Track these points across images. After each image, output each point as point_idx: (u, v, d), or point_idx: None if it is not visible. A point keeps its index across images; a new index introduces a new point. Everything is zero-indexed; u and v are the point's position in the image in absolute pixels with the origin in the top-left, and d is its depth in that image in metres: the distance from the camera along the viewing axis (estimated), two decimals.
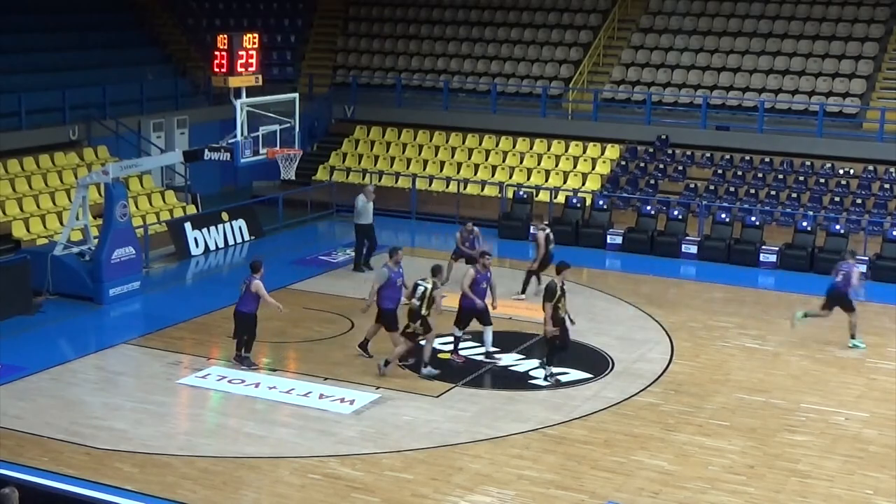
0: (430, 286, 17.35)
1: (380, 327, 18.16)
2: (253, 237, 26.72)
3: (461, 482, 14.04)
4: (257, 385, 17.12)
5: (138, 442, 14.98)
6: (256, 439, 15.23)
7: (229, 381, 17.27)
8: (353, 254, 24.98)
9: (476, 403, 16.66)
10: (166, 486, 13.74)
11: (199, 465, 14.34)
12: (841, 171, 28.32)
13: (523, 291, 22.03)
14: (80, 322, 20.50)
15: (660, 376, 17.96)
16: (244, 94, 20.79)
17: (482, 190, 29.90)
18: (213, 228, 25.82)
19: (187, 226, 25.40)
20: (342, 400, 16.55)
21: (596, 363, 18.46)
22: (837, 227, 25.50)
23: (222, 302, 21.24)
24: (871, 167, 28.09)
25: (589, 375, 17.85)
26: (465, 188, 29.82)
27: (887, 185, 27.53)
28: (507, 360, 18.50)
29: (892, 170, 27.78)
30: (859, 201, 27.30)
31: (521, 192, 28.51)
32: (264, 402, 16.59)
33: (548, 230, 22.42)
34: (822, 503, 13.82)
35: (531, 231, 22.53)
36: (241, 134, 20.66)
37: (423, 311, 17.26)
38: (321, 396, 16.67)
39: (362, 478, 14.09)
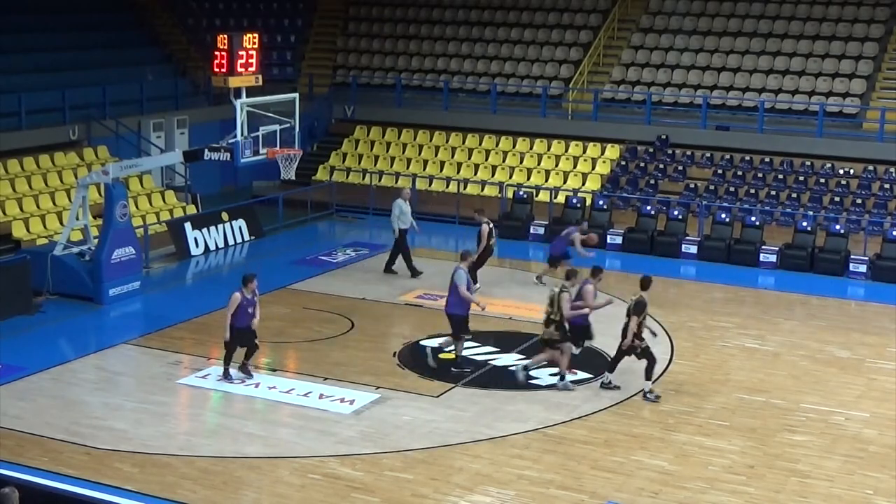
0: (557, 289, 17.12)
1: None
2: (253, 237, 26.72)
3: (461, 482, 14.04)
4: (257, 385, 17.12)
5: (138, 442, 14.98)
6: (256, 439, 15.23)
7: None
8: (353, 254, 25.11)
9: (476, 403, 16.66)
10: (166, 486, 13.74)
11: (199, 465, 14.34)
12: (841, 171, 28.32)
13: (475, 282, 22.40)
14: (80, 322, 20.50)
15: (660, 376, 17.92)
16: (244, 94, 20.80)
17: (482, 190, 29.90)
18: (213, 228, 25.82)
19: (187, 226, 25.40)
20: (342, 400, 16.55)
21: (596, 363, 18.43)
22: (837, 227, 25.50)
23: (222, 302, 21.15)
24: (871, 167, 28.08)
25: (589, 375, 17.84)
26: (465, 188, 29.82)
27: (887, 185, 27.52)
28: (507, 360, 18.48)
29: (892, 170, 27.77)
30: (859, 201, 27.29)
31: (521, 192, 28.51)
32: (264, 402, 16.60)
33: (491, 224, 22.59)
34: (822, 503, 13.82)
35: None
36: (241, 134, 20.66)
37: (553, 317, 17.05)
38: (321, 396, 16.67)
39: (362, 478, 14.09)
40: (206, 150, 21.36)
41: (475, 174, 30.63)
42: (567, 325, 17.23)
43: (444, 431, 15.56)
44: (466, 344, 18.79)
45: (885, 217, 26.43)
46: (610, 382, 17.16)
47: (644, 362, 16.96)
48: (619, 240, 26.56)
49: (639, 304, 16.79)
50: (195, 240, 25.26)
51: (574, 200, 27.76)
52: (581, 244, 22.26)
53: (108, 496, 13.13)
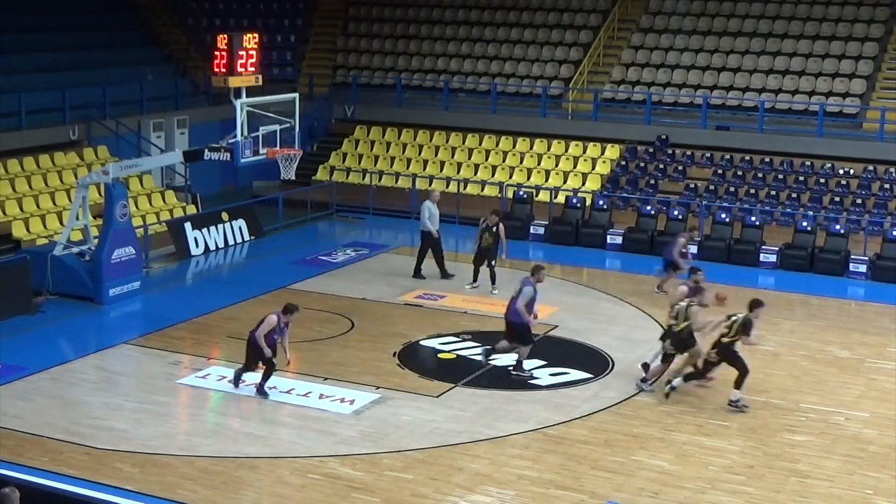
0: (685, 304, 17.03)
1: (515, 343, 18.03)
2: (253, 237, 26.71)
3: (461, 482, 14.04)
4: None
5: (138, 442, 14.97)
6: (256, 439, 15.23)
7: (229, 381, 17.24)
8: (353, 254, 25.17)
9: (476, 403, 16.65)
10: (166, 486, 13.73)
11: (199, 465, 14.34)
12: (841, 171, 28.32)
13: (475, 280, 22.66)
14: (80, 322, 20.50)
15: (659, 377, 17.92)
16: (244, 94, 20.80)
17: (482, 190, 29.89)
18: (213, 228, 25.80)
19: (187, 226, 25.39)
20: (342, 400, 16.55)
21: (596, 363, 18.46)
22: (837, 227, 25.50)
23: (222, 302, 21.30)
24: (871, 167, 28.08)
25: (589, 375, 17.85)
26: (465, 188, 29.81)
27: (887, 185, 27.52)
28: (507, 360, 18.45)
29: (892, 170, 27.77)
30: (859, 201, 27.29)
31: (521, 192, 28.51)
32: (264, 401, 16.56)
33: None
34: (821, 503, 13.82)
35: (485, 223, 22.56)
36: (241, 134, 20.67)
37: (676, 329, 16.97)
38: (321, 396, 16.66)
39: (362, 478, 14.09)
40: (206, 150, 21.36)
41: (475, 174, 30.63)
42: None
43: (444, 431, 15.55)
44: (466, 344, 18.85)
45: (885, 217, 26.43)
46: (738, 401, 16.62)
47: (694, 369, 16.84)
48: (619, 240, 26.53)
49: (747, 325, 16.40)
50: (195, 240, 25.24)
51: (574, 200, 27.75)
52: (681, 253, 22.22)
53: (108, 496, 13.14)
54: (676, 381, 16.92)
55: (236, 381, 16.94)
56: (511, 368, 17.96)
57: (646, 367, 17.54)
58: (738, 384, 16.58)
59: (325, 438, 15.23)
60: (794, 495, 13.94)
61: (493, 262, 22.37)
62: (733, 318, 16.63)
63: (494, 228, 22.22)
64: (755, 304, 16.71)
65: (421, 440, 15.24)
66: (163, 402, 16.52)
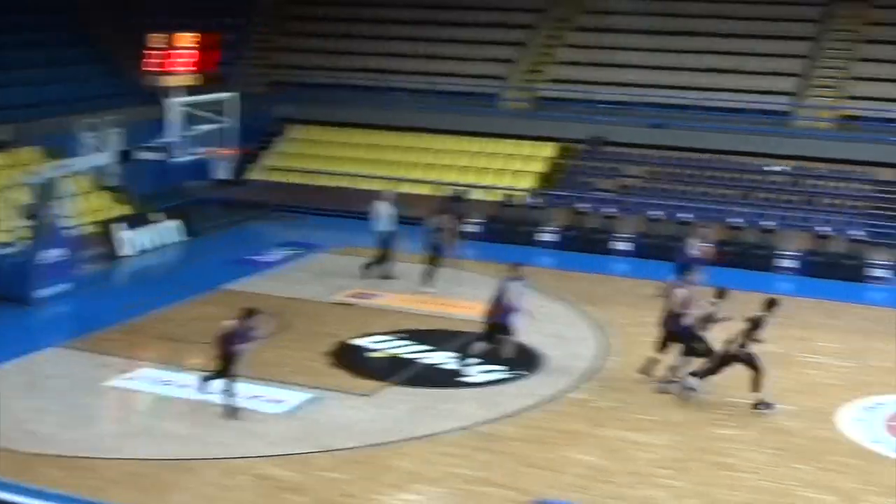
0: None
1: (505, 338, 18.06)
2: (188, 237, 26.53)
3: (392, 481, 14.05)
4: (187, 386, 16.95)
5: (65, 445, 14.78)
6: (185, 440, 15.12)
7: (159, 383, 17.12)
8: (289, 254, 25.13)
9: (408, 402, 16.67)
10: (93, 489, 13.57)
11: (127, 468, 14.19)
12: (772, 168, 28.74)
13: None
14: (7, 324, 20.15)
15: (591, 373, 18.09)
16: (180, 94, 20.66)
17: (419, 188, 29.88)
18: (147, 229, 25.61)
19: (121, 226, 25.17)
20: (273, 400, 16.49)
21: (528, 360, 18.55)
22: (769, 223, 25.84)
23: (156, 303, 21.11)
24: (800, 164, 28.52)
25: (521, 373, 17.92)
26: (402, 186, 29.73)
27: (819, 182, 27.95)
28: (439, 357, 18.51)
29: (820, 167, 28.21)
30: (790, 198, 27.68)
31: (456, 191, 28.48)
32: (194, 402, 16.44)
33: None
34: (749, 495, 13.99)
35: (437, 223, 22.54)
36: (178, 133, 20.54)
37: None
38: (252, 397, 16.57)
39: (292, 478, 14.04)
40: (142, 150, 21.22)
41: (412, 172, 30.61)
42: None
43: (375, 430, 15.55)
44: (398, 343, 18.91)
45: (814, 214, 26.82)
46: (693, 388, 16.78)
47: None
48: (554, 238, 26.68)
49: (757, 321, 16.58)
50: (129, 240, 25.03)
51: (511, 199, 27.84)
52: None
53: (33, 500, 12.98)
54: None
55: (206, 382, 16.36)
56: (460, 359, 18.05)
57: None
58: (704, 374, 16.77)
59: (256, 439, 15.16)
60: (722, 488, 14.11)
61: (440, 262, 22.40)
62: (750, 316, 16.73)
63: (447, 227, 22.25)
64: (770, 304, 16.79)
65: (352, 439, 15.22)
66: (91, 405, 16.36)
